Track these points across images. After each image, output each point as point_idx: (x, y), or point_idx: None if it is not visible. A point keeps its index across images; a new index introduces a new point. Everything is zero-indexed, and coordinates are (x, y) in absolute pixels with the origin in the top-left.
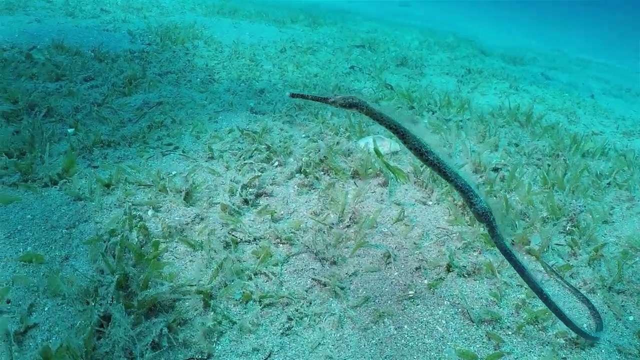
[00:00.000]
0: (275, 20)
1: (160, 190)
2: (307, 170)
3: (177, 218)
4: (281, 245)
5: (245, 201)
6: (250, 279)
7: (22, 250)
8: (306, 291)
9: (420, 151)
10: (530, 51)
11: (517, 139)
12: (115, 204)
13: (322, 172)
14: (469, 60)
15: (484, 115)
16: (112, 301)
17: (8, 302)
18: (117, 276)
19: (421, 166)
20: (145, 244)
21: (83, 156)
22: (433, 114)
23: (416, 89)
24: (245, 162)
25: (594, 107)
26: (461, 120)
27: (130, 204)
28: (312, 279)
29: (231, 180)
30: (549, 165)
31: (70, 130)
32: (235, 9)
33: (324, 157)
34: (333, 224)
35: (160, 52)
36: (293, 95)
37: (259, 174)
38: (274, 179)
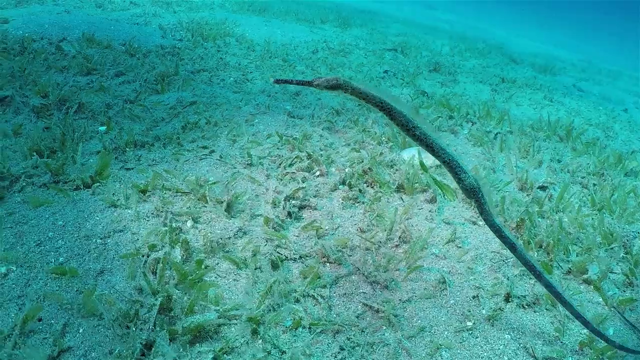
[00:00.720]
0: (306, 20)
1: (199, 199)
2: (352, 183)
3: (218, 231)
4: (328, 264)
5: (289, 214)
6: (298, 301)
7: (53, 260)
8: (357, 317)
9: (407, 127)
10: (559, 60)
11: (559, 154)
12: (152, 213)
13: (365, 185)
14: (501, 69)
15: (524, 128)
16: (154, 327)
17: (40, 320)
18: (159, 299)
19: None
20: (186, 259)
21: (116, 157)
22: (473, 124)
23: (451, 97)
24: (286, 170)
25: (629, 122)
26: (501, 133)
27: (169, 213)
28: (363, 304)
29: (273, 191)
30: (594, 185)
31: (101, 128)
32: (265, 6)
33: (368, 168)
34: (381, 242)
35: (192, 49)
36: (277, 81)
37: (303, 185)
38: (317, 190)
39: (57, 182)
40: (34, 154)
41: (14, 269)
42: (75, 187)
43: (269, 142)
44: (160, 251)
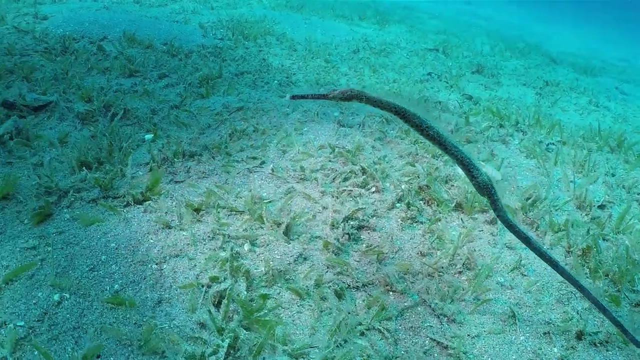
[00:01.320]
0: (343, 17)
1: (256, 220)
2: (409, 201)
3: (278, 257)
4: (392, 293)
5: (348, 236)
6: (364, 334)
7: (108, 288)
8: (425, 353)
9: (421, 127)
10: (597, 59)
11: (612, 168)
12: (208, 236)
13: (422, 202)
14: (542, 70)
15: (576, 139)
16: None
17: (98, 357)
18: (227, 340)
19: (527, 200)
20: (248, 288)
21: (165, 168)
22: (523, 134)
23: (497, 101)
24: (342, 188)
25: None
26: (553, 143)
27: (226, 237)
28: (431, 339)
29: (332, 211)
30: None
31: (147, 137)
32: (303, 3)
33: (425, 185)
34: (443, 267)
35: (234, 48)
36: (294, 97)
37: (362, 206)
38: (374, 210)
39: (107, 198)
40: (82, 166)
41: (68, 296)
42: (125, 203)
43: (321, 153)
44: (222, 283)
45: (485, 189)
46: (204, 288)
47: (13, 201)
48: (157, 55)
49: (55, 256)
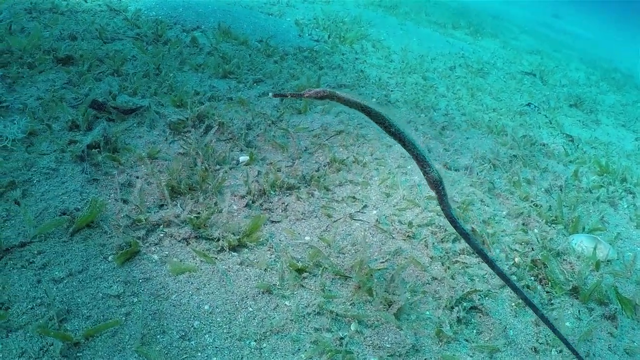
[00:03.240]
0: (437, 23)
1: (364, 292)
2: (526, 283)
3: (388, 345)
4: None
5: (459, 320)
6: None
7: None
8: None
9: (385, 124)
10: None
11: None
12: (314, 310)
13: (533, 278)
14: None
15: None
16: None
17: None
18: None
19: None
20: None
21: (261, 204)
22: (632, 196)
23: (597, 145)
24: (451, 252)
25: None
26: None
27: (333, 315)
28: None
29: (446, 287)
30: None
31: (242, 158)
32: (396, 3)
33: (539, 259)
34: None
35: (330, 54)
36: (275, 95)
37: (479, 288)
38: (488, 290)
39: (199, 238)
40: (172, 192)
41: None
42: (220, 248)
43: (428, 204)
44: None
45: (436, 183)
46: None
47: (97, 231)
48: (252, 55)
49: (142, 311)
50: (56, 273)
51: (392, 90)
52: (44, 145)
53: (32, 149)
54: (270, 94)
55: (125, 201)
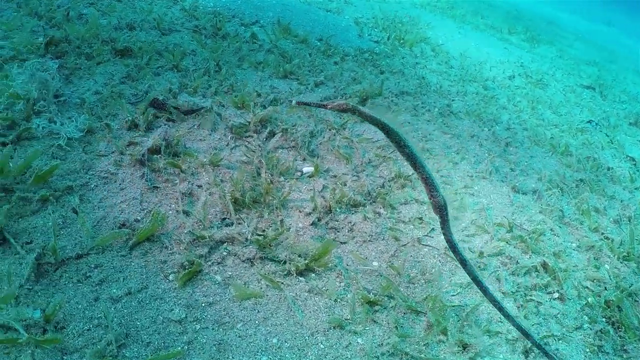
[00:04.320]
0: (492, 27)
1: (440, 331)
2: (596, 320)
3: None
4: None
5: None
6: None
7: None
8: None
9: (400, 144)
10: None
11: None
12: (388, 349)
13: (605, 320)
14: None
15: None
16: None
17: None
18: None
19: None
20: None
21: (326, 222)
22: None
23: None
24: (523, 287)
25: None
26: None
27: (407, 357)
28: None
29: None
30: None
31: (306, 170)
32: (453, 3)
33: (612, 300)
34: None
35: (391, 56)
36: (299, 103)
37: (553, 332)
38: (562, 333)
39: (264, 259)
40: (236, 204)
41: None
42: (286, 272)
43: (498, 232)
44: None
45: (440, 208)
46: None
47: (158, 245)
48: (312, 54)
49: (205, 340)
50: (114, 291)
51: (453, 100)
52: (102, 145)
53: (89, 149)
54: (294, 102)
55: (187, 213)
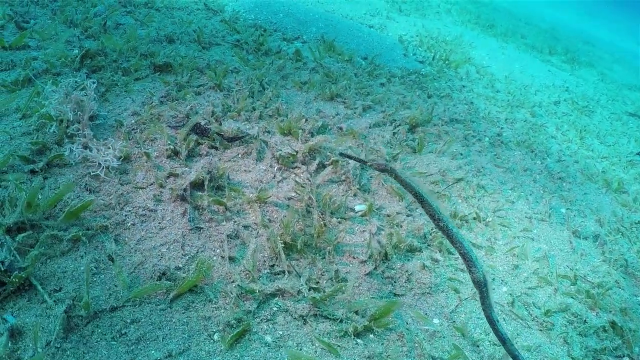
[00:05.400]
0: (533, 47)
1: None
2: None
3: None
4: None
5: None
6: None
7: None
8: None
9: (434, 217)
10: None
11: None
12: None
13: None
14: None
15: None
16: None
17: None
18: None
19: None
20: None
21: (382, 270)
22: None
23: None
24: (591, 350)
25: None
26: None
27: None
28: None
29: None
30: None
31: (359, 207)
32: (492, 21)
33: None
34: None
35: (437, 79)
36: (342, 155)
37: None
38: None
39: (317, 316)
40: (285, 249)
41: None
42: (343, 333)
43: (562, 284)
44: None
45: (480, 284)
46: None
47: (201, 298)
48: (358, 75)
49: None
50: (153, 352)
51: (502, 127)
52: (140, 175)
53: (126, 180)
54: (337, 152)
55: (233, 260)
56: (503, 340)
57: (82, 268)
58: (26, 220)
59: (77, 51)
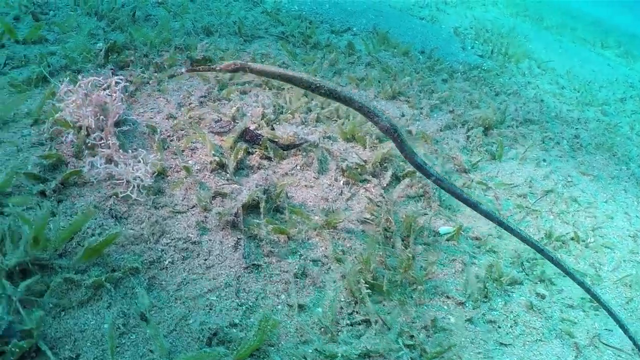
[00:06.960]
0: (585, 40)
1: None
2: None
3: None
4: None
5: None
6: None
7: None
8: None
9: (312, 87)
10: None
11: None
12: None
13: None
14: None
15: None
16: None
17: None
18: None
19: None
20: None
21: (483, 314)
22: None
23: None
24: None
25: None
26: None
27: None
28: None
29: None
30: None
31: (444, 230)
32: (540, 14)
33: None
34: None
35: (500, 74)
36: (188, 71)
37: None
38: None
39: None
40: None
41: None
42: None
43: None
44: None
45: (390, 132)
46: None
47: None
48: (418, 70)
49: None
50: None
51: (577, 128)
52: (179, 195)
53: (161, 202)
54: (183, 70)
55: (302, 307)
56: (439, 181)
57: (105, 326)
58: (33, 260)
59: (101, 44)
